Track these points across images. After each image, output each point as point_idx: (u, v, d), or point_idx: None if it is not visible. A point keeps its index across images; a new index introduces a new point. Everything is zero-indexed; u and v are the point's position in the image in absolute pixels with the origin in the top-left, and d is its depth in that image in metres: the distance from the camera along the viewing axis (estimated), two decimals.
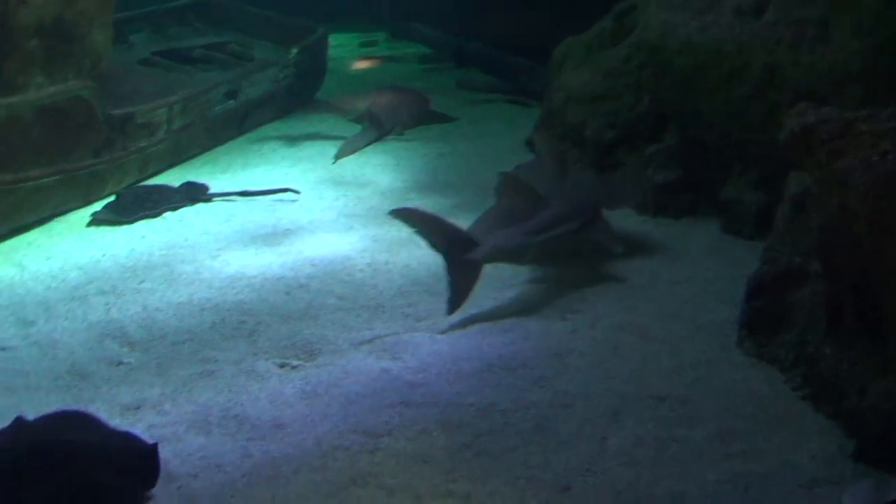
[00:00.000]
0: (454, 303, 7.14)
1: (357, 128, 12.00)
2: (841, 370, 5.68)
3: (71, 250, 8.74)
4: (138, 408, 6.03)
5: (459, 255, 7.22)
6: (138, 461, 5.33)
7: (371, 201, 9.68)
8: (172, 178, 10.44)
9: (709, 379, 6.19)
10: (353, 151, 11.35)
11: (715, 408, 5.86)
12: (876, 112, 5.67)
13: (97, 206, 9.57)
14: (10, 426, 5.48)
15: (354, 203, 9.68)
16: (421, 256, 8.02)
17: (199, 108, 11.25)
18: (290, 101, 12.94)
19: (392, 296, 7.55)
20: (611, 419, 5.79)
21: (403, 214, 7.70)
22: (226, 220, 9.31)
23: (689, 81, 8.70)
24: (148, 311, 7.46)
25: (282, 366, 6.52)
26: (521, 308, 7.23)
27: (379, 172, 10.61)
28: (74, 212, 9.57)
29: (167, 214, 9.50)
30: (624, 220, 8.62)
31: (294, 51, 13.05)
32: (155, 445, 5.34)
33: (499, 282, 7.60)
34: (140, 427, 5.74)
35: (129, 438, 5.52)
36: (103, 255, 8.60)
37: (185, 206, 9.68)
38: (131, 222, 9.29)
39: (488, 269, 7.36)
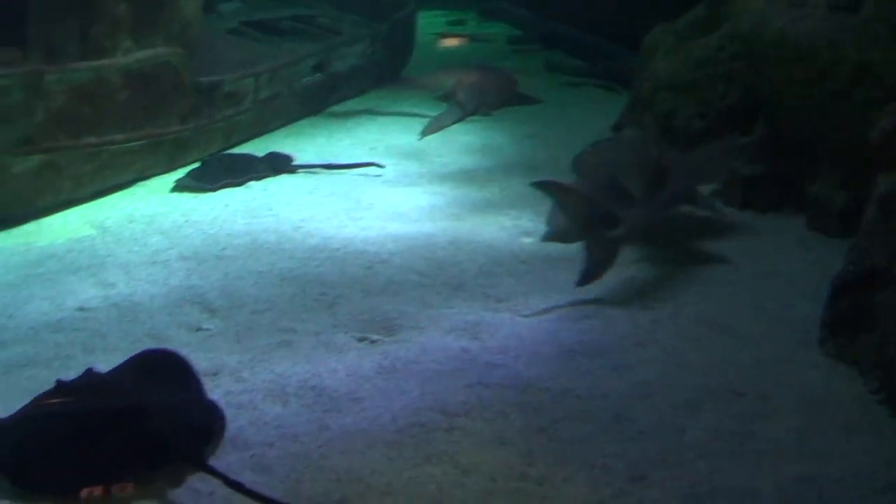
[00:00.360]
0: (588, 276, 7.09)
1: (443, 106, 12.01)
2: None
3: (154, 215, 8.81)
4: (216, 374, 6.02)
5: (601, 230, 7.15)
6: (203, 418, 5.40)
7: (456, 179, 9.67)
8: (256, 148, 10.49)
9: (788, 376, 6.09)
10: (439, 129, 11.35)
11: (793, 406, 5.76)
12: None
13: (180, 172, 9.65)
14: (80, 377, 5.55)
15: (439, 181, 9.68)
16: (504, 238, 8.00)
17: (286, 80, 11.30)
18: (377, 77, 12.96)
19: (473, 275, 7.50)
20: (688, 411, 5.71)
21: (545, 186, 7.60)
22: (309, 192, 9.34)
23: (780, 75, 8.58)
24: (229, 278, 7.48)
25: (361, 340, 6.50)
26: (603, 294, 7.14)
27: (464, 151, 10.60)
28: (157, 177, 9.65)
29: (251, 184, 9.55)
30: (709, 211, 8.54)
31: (383, 26, 13.06)
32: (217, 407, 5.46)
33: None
34: (217, 394, 5.73)
35: (199, 392, 5.63)
36: (185, 221, 8.65)
37: (268, 176, 9.71)
38: (214, 190, 9.35)
39: (570, 253, 7.33)
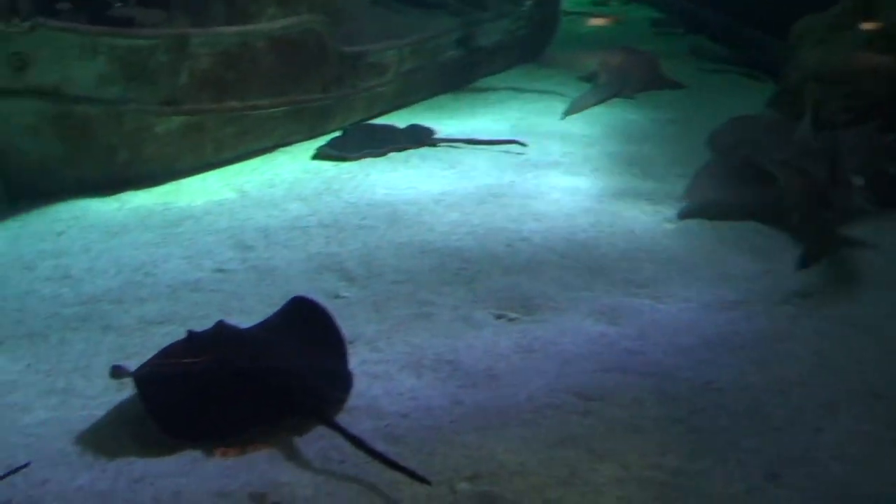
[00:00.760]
0: (811, 258, 7.10)
1: (586, 85, 11.95)
2: None
3: (294, 181, 8.88)
4: (352, 342, 6.01)
5: (818, 210, 7.10)
6: (332, 377, 5.52)
7: (598, 161, 9.62)
8: (397, 120, 10.52)
9: None
10: (582, 109, 11.30)
11: None
12: None
13: (321, 140, 9.73)
14: (210, 329, 5.64)
15: (581, 161, 9.62)
16: (645, 222, 7.93)
17: (430, 53, 11.31)
18: (520, 53, 12.93)
19: (615, 259, 7.43)
20: (827, 411, 5.60)
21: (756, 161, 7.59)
22: (450, 166, 9.35)
23: None
24: (368, 248, 7.51)
25: (499, 317, 6.48)
26: (747, 287, 7.05)
27: (607, 133, 10.53)
28: (298, 144, 9.73)
29: (392, 155, 9.58)
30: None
31: (528, 3, 13.02)
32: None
33: (724, 256, 7.48)
34: (353, 362, 5.76)
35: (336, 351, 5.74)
36: (326, 189, 8.70)
37: (409, 148, 9.74)
38: (355, 159, 9.39)
39: (714, 245, 7.25)
